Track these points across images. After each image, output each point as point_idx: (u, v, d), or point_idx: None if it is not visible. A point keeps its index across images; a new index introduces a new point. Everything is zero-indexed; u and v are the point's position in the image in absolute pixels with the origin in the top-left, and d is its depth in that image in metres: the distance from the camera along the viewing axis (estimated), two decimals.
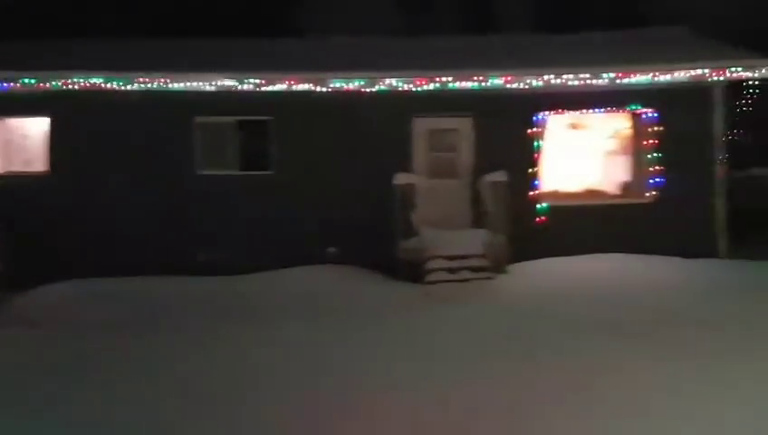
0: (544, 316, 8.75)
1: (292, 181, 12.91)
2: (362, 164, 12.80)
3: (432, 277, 11.24)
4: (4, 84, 12.09)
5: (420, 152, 13.10)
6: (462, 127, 13.08)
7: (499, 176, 11.74)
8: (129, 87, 12.35)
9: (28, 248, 11.92)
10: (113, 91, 12.45)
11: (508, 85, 12.55)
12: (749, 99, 14.50)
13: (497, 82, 12.50)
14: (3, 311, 10.63)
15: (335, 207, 12.78)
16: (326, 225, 12.78)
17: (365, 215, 12.62)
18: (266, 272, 12.17)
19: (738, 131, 19.41)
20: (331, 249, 12.79)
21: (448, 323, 9.08)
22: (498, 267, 11.56)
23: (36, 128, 12.72)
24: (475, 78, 12.44)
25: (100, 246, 12.49)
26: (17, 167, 12.64)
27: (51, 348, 8.28)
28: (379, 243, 12.29)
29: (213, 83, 12.42)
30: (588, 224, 12.79)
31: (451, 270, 11.33)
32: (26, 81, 12.08)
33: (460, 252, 11.52)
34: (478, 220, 12.58)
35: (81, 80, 12.17)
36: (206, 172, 12.88)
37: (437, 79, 12.44)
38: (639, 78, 12.68)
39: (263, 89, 12.55)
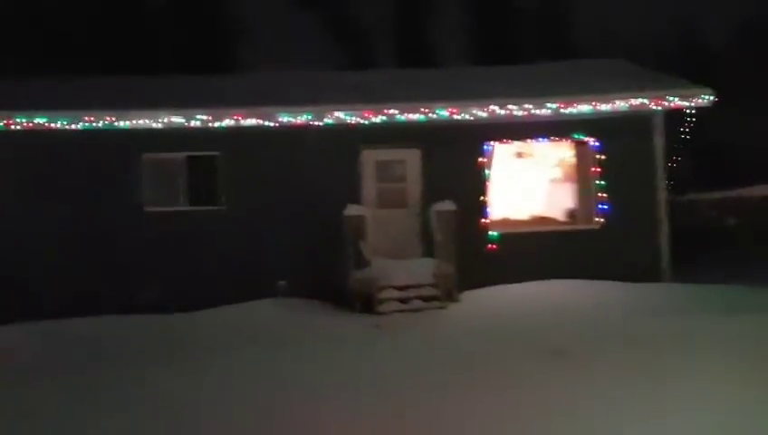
0: (492, 342, 8.81)
1: (241, 215, 12.86)
2: (312, 196, 12.83)
3: (383, 307, 11.26)
4: None
5: (369, 183, 13.19)
6: (410, 158, 13.23)
7: (447, 205, 11.88)
8: (74, 126, 12.21)
9: None
10: (58, 130, 12.29)
11: (454, 116, 12.76)
12: (687, 126, 15.05)
13: (443, 113, 12.71)
14: None
15: (285, 241, 12.76)
16: (277, 258, 12.74)
17: (316, 247, 12.62)
18: (217, 307, 12.01)
19: (678, 158, 20.05)
20: (282, 282, 12.72)
21: (395, 351, 9.02)
22: (449, 296, 11.64)
23: None
24: (422, 110, 12.63)
25: (44, 287, 12.19)
26: None
27: None
28: (330, 275, 12.30)
29: (160, 120, 12.36)
30: (537, 250, 12.98)
31: (402, 300, 11.37)
32: None
33: (411, 282, 11.58)
34: (428, 250, 12.66)
35: (25, 119, 12.00)
36: (154, 208, 12.74)
37: (384, 111, 12.60)
38: (581, 108, 13.03)
39: (210, 125, 12.54)
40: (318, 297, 12.44)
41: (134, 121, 12.35)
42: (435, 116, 12.77)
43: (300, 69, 16.11)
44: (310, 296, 12.45)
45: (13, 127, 12.10)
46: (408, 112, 12.67)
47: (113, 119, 12.28)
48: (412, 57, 29.53)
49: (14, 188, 12.38)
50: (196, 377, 8.24)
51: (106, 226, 12.53)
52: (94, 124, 12.27)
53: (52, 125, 12.20)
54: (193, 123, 12.50)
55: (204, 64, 23.60)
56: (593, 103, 12.96)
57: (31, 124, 12.12)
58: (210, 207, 12.91)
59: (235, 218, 12.86)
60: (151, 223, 12.69)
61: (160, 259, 12.64)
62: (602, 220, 13.35)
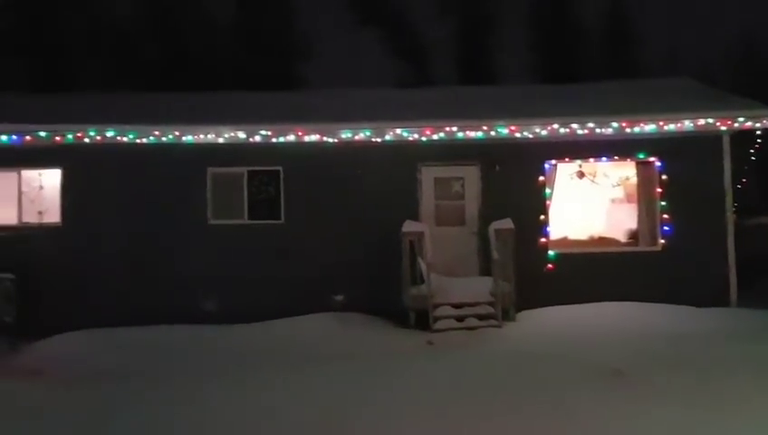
0: (548, 363, 8.65)
1: (300, 230, 13.03)
2: (370, 212, 12.91)
3: (439, 325, 11.22)
4: (19, 137, 12.38)
5: (427, 200, 13.21)
6: (469, 175, 13.21)
7: (506, 223, 11.79)
8: (142, 140, 12.62)
9: (40, 298, 12.03)
10: (126, 144, 12.72)
11: (515, 134, 12.69)
12: (755, 147, 14.59)
13: (504, 131, 12.66)
14: (10, 360, 10.70)
15: (343, 255, 12.86)
16: (334, 273, 12.84)
17: (373, 263, 12.68)
18: (274, 320, 12.19)
19: (746, 180, 19.42)
20: (339, 297, 12.82)
21: (447, 369, 8.97)
22: (506, 315, 11.52)
23: (49, 179, 12.96)
24: (482, 127, 12.61)
25: (112, 295, 12.59)
26: (31, 218, 12.84)
27: (47, 399, 8.23)
28: (386, 291, 12.34)
29: (225, 135, 12.66)
30: (597, 272, 12.74)
31: (458, 318, 11.31)
32: (40, 134, 12.36)
33: (467, 299, 11.52)
34: (485, 268, 12.58)
35: (96, 133, 12.46)
36: (216, 221, 13.03)
37: (444, 128, 12.63)
38: (646, 127, 12.79)
39: (272, 140, 12.78)
40: (373, 312, 12.47)
41: (200, 136, 12.67)
42: (495, 134, 12.73)
43: (360, 86, 16.27)
44: (365, 311, 12.49)
45: (85, 140, 12.54)
46: (468, 130, 12.67)
47: (180, 133, 12.63)
48: (472, 75, 29.52)
49: (84, 200, 12.82)
50: (250, 391, 8.30)
51: (171, 237, 12.86)
52: (162, 138, 12.62)
53: (122, 139, 12.60)
54: (256, 138, 12.75)
55: (267, 81, 24.09)
56: (659, 123, 12.71)
57: (101, 138, 12.54)
58: (270, 221, 13.12)
59: (294, 232, 13.04)
60: (214, 235, 12.98)
61: (221, 271, 12.89)
62: (665, 242, 13.03)
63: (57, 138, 12.44)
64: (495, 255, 11.56)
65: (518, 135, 12.79)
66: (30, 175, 12.92)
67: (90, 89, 18.36)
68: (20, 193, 12.80)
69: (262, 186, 13.20)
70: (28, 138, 12.34)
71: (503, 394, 7.54)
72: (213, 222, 13.05)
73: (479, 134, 12.75)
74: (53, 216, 12.82)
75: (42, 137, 12.37)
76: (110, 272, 12.72)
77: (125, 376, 9.43)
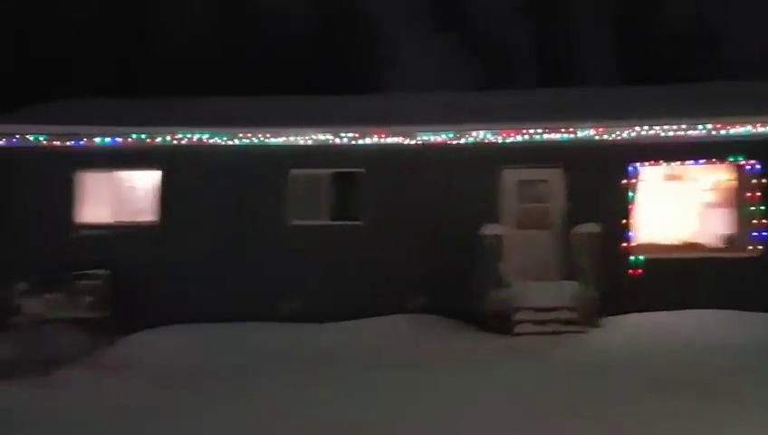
0: (631, 373, 8.44)
1: (380, 231, 13.13)
2: (450, 215, 12.88)
3: (520, 329, 11.09)
4: (116, 140, 12.98)
5: (509, 203, 13.08)
6: (552, 178, 13.01)
7: (591, 227, 11.56)
8: (231, 142, 13.01)
9: (133, 295, 12.55)
10: (216, 146, 13.14)
11: (601, 136, 12.43)
12: None
13: (588, 133, 12.42)
14: (106, 354, 11.23)
15: (421, 258, 12.86)
16: (413, 275, 12.86)
17: (453, 266, 12.62)
18: (353, 320, 12.33)
19: None
20: (418, 299, 12.85)
21: (528, 375, 8.91)
22: (589, 321, 11.28)
23: (143, 180, 13.52)
24: (566, 130, 12.41)
25: (200, 293, 12.99)
26: (125, 217, 13.43)
27: (141, 393, 8.59)
28: (464, 294, 12.27)
29: (309, 138, 12.91)
30: (685, 278, 12.31)
31: (540, 322, 11.15)
32: (137, 136, 12.92)
33: (549, 304, 11.34)
34: (569, 272, 12.35)
35: (189, 135, 12.92)
36: (299, 222, 13.29)
37: (526, 131, 12.50)
38: (740, 129, 12.30)
39: (355, 142, 12.95)
40: (452, 315, 12.43)
41: (285, 138, 12.96)
42: (578, 136, 12.50)
43: (441, 90, 16.30)
44: (443, 314, 12.46)
45: (176, 142, 13.03)
46: (551, 132, 12.50)
47: (267, 135, 12.96)
48: (554, 77, 29.07)
49: (175, 200, 13.32)
50: (327, 392, 8.44)
51: (256, 237, 13.19)
52: (251, 140, 12.98)
53: (213, 141, 13.03)
54: (339, 141, 12.94)
55: (348, 86, 24.43)
56: (756, 125, 12.19)
57: (194, 140, 13.00)
58: (351, 223, 13.28)
59: (375, 234, 13.15)
60: (296, 236, 13.24)
61: (303, 271, 13.13)
62: (759, 247, 12.47)
63: (152, 140, 12.96)
64: (580, 259, 11.34)
65: (603, 137, 12.51)
66: (125, 176, 13.50)
67: (173, 93, 19.02)
68: (116, 193, 13.39)
69: (343, 187, 13.39)
70: (126, 140, 12.91)
71: (589, 405, 7.39)
72: (295, 223, 13.32)
73: (563, 136, 12.54)
74: (146, 215, 13.36)
75: (138, 139, 12.92)
76: (198, 270, 13.14)
77: (210, 373, 9.76)
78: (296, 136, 12.98)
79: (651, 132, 12.33)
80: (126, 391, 8.49)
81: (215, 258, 13.20)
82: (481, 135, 12.59)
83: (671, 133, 12.34)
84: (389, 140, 12.89)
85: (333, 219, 13.33)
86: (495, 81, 29.78)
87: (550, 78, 29.08)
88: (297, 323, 12.29)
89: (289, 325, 12.28)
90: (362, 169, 13.27)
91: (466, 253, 12.30)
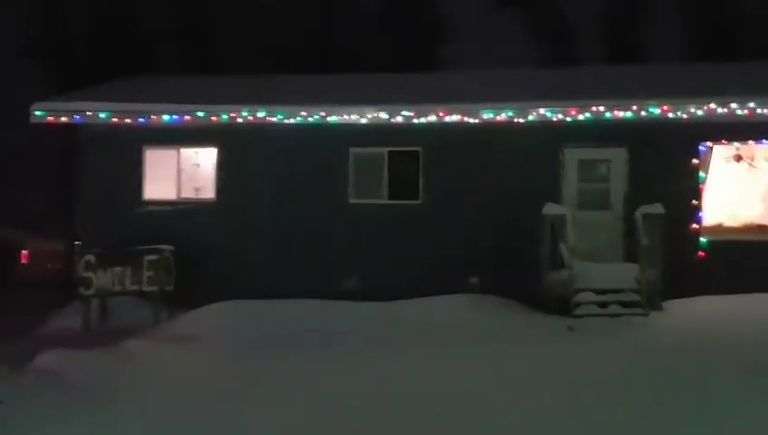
0: (695, 358, 8.22)
1: (439, 210, 13.08)
2: (509, 194, 12.75)
3: (580, 310, 10.91)
4: (179, 117, 13.21)
5: (570, 183, 12.85)
6: (615, 157, 12.70)
7: (656, 208, 11.27)
8: (290, 120, 13.09)
9: (195, 270, 12.80)
10: (275, 124, 13.24)
11: (668, 115, 12.05)
12: None
13: (655, 111, 12.06)
14: (170, 327, 11.52)
15: (480, 237, 12.80)
16: (471, 254, 12.81)
17: (510, 245, 12.54)
18: (411, 299, 12.30)
19: None
20: (474, 279, 12.79)
21: (592, 357, 8.77)
22: (652, 304, 11.02)
23: (205, 157, 13.74)
24: (632, 107, 12.08)
25: (259, 269, 13.18)
26: (188, 194, 13.69)
27: (209, 364, 8.79)
28: (523, 274, 12.17)
29: (367, 116, 12.89)
30: (754, 261, 11.91)
31: (601, 304, 10.95)
32: (198, 114, 13.12)
33: (611, 286, 11.12)
34: (631, 254, 12.08)
35: (248, 113, 13.05)
36: (357, 201, 13.33)
37: (591, 108, 12.21)
38: None
39: (414, 121, 12.87)
40: (508, 295, 12.34)
41: (343, 117, 12.97)
42: (645, 114, 12.15)
43: (502, 67, 16.05)
44: (500, 294, 12.37)
45: (238, 120, 13.17)
46: (617, 110, 12.18)
47: (325, 114, 12.99)
48: (617, 54, 28.25)
49: (235, 177, 13.50)
50: (391, 370, 8.47)
51: (314, 215, 13.30)
52: (307, 119, 13.03)
53: (271, 119, 13.13)
54: (398, 119, 12.88)
55: (407, 63, 24.28)
56: None
57: (253, 118, 13.13)
58: (408, 202, 13.26)
59: (432, 213, 13.11)
60: (354, 214, 13.29)
61: (361, 250, 13.19)
62: None
63: (213, 118, 13.15)
64: (644, 240, 11.07)
65: (671, 115, 12.14)
66: (188, 153, 13.75)
67: (233, 71, 19.28)
68: (179, 170, 13.66)
69: (401, 166, 13.36)
70: (187, 117, 13.14)
71: (653, 388, 7.24)
72: (353, 201, 13.38)
73: (628, 114, 12.21)
74: (208, 192, 13.62)
75: (199, 117, 13.12)
76: (258, 247, 13.34)
77: (269, 346, 9.91)
78: (354, 114, 12.95)
79: (723, 110, 11.87)
80: (195, 361, 8.68)
81: (274, 236, 13.36)
82: (544, 113, 12.32)
83: (743, 112, 11.86)
84: (449, 119, 12.75)
85: (392, 198, 13.32)
86: (557, 58, 29.14)
87: (613, 55, 28.31)
88: (354, 302, 12.33)
89: (346, 303, 12.33)
90: (421, 148, 13.20)
91: (525, 233, 12.18)
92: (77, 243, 29.93)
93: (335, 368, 8.26)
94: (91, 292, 11.86)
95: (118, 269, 11.93)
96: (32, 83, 28.40)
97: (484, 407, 6.93)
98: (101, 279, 11.87)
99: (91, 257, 11.90)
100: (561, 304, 11.33)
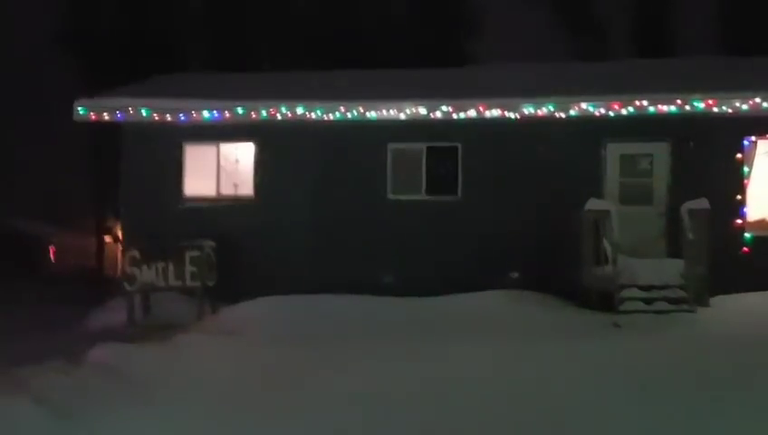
0: (748, 354, 8.13)
1: (477, 206, 13.03)
2: (550, 189, 12.67)
3: (625, 306, 10.82)
4: (219, 113, 13.27)
5: (611, 178, 12.74)
6: (657, 152, 12.58)
7: (701, 203, 11.13)
8: (329, 116, 13.11)
9: (235, 266, 12.87)
10: (314, 120, 13.27)
11: (712, 109, 11.91)
12: None
13: (700, 105, 11.92)
14: (213, 321, 11.62)
15: (519, 233, 12.70)
16: (510, 250, 12.75)
17: (551, 241, 12.44)
18: (449, 295, 12.28)
19: None
20: (514, 274, 12.74)
21: (642, 353, 8.71)
22: (699, 300, 10.90)
23: (244, 153, 13.81)
24: (676, 102, 11.94)
25: (298, 264, 13.22)
26: (228, 190, 13.77)
27: (260, 358, 8.83)
28: (562, 270, 12.09)
29: (406, 111, 12.87)
30: None
31: (646, 300, 10.85)
32: (238, 110, 13.18)
33: (656, 282, 11.01)
34: (673, 249, 11.97)
35: (287, 109, 13.09)
36: (395, 196, 13.32)
37: (634, 103, 12.09)
38: None
39: (454, 116, 12.83)
40: (549, 291, 12.27)
41: (382, 112, 12.96)
42: (689, 108, 12.01)
43: (535, 61, 15.92)
44: (541, 290, 12.30)
45: (276, 116, 13.21)
46: (661, 104, 12.06)
47: (363, 109, 12.99)
48: (648, 47, 27.93)
49: (274, 173, 13.55)
50: (436, 363, 8.47)
51: (352, 211, 13.29)
52: (346, 114, 13.04)
53: (310, 115, 13.15)
54: (436, 114, 12.85)
55: (437, 57, 24.23)
56: None
57: (291, 114, 13.16)
58: (447, 197, 13.24)
59: (471, 209, 13.07)
60: (393, 210, 13.29)
61: (399, 245, 13.18)
62: None
63: (252, 114, 13.19)
64: (690, 236, 10.94)
65: (715, 110, 11.98)
66: (227, 149, 13.82)
67: (260, 68, 19.32)
68: (218, 166, 13.73)
69: (440, 161, 13.33)
70: (227, 114, 13.19)
71: (706, 386, 7.17)
72: (392, 197, 13.37)
73: (672, 109, 12.08)
74: (247, 188, 13.68)
75: (239, 113, 13.17)
76: (297, 242, 13.36)
77: (317, 340, 9.95)
78: (392, 109, 12.94)
79: None
80: (246, 355, 8.72)
81: (313, 232, 13.39)
82: (586, 107, 12.22)
83: None
84: (489, 114, 12.69)
85: (430, 194, 13.30)
86: (588, 52, 28.87)
87: (644, 49, 27.98)
88: (393, 297, 12.34)
89: (387, 298, 12.34)
90: (460, 143, 13.16)
91: (566, 228, 12.08)
92: (108, 239, 30.21)
93: (389, 362, 8.27)
94: (135, 287, 11.98)
95: (161, 265, 12.03)
96: (59, 80, 28.83)
97: (554, 400, 6.90)
98: (145, 275, 11.98)
99: (135, 253, 12.02)
100: (604, 301, 11.24)
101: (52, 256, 42.94)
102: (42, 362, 8.23)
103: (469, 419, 6.43)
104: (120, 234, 31.59)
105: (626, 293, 10.95)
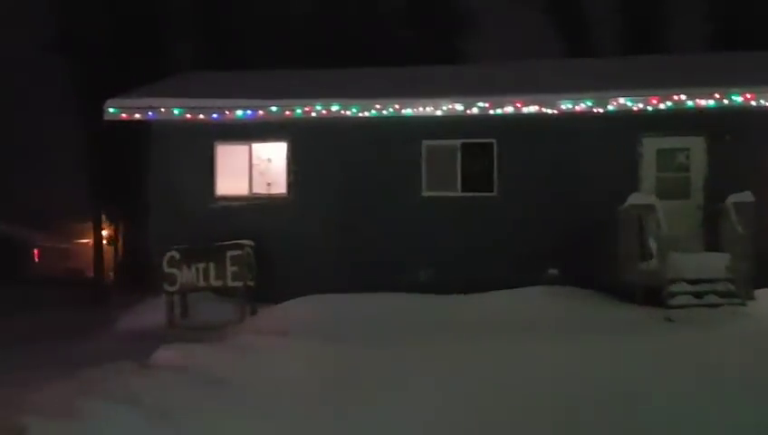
0: None
1: (514, 202, 12.99)
2: (586, 184, 12.69)
3: (675, 301, 10.83)
4: (253, 112, 13.10)
5: (648, 172, 12.78)
6: (694, 146, 12.64)
7: (746, 196, 11.19)
8: (363, 113, 12.99)
9: (271, 265, 12.71)
10: (346, 118, 13.14)
11: (752, 103, 11.99)
12: None
13: (738, 99, 12.00)
14: (256, 321, 11.46)
15: (557, 228, 12.70)
16: (547, 246, 12.73)
17: (588, 236, 12.44)
18: (488, 292, 12.21)
19: None
20: (553, 271, 12.71)
21: (701, 346, 8.73)
22: (745, 293, 10.96)
23: (276, 152, 13.64)
24: (714, 95, 12.01)
25: (332, 264, 13.09)
26: (260, 189, 13.60)
27: (325, 357, 8.70)
28: (602, 265, 12.08)
29: (443, 108, 12.79)
30: None
31: (695, 294, 10.87)
32: (272, 108, 13.01)
33: (704, 275, 11.04)
34: (712, 243, 12.03)
35: (322, 107, 12.95)
36: (430, 193, 13.25)
37: (672, 97, 12.14)
38: None
39: (490, 112, 12.78)
40: (589, 286, 12.23)
41: (418, 109, 12.88)
42: (727, 102, 12.08)
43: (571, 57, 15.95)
44: (579, 285, 12.28)
45: (311, 115, 13.06)
46: (699, 98, 12.11)
47: (399, 107, 12.90)
48: (640, 45, 28.07)
49: (307, 172, 13.42)
50: (506, 362, 8.39)
51: (387, 208, 13.20)
52: (382, 112, 12.93)
53: (344, 113, 13.03)
54: (473, 110, 12.79)
55: (430, 56, 24.30)
56: None
57: (326, 112, 13.02)
58: (483, 194, 13.19)
59: (508, 205, 13.03)
60: (428, 207, 13.21)
61: (435, 242, 13.10)
62: None
63: (287, 112, 13.04)
64: (738, 229, 10.98)
65: (753, 103, 12.06)
66: (259, 148, 13.65)
67: (312, 66, 19.10)
68: (251, 165, 13.55)
69: (475, 158, 13.28)
70: (261, 112, 13.02)
71: None
72: (426, 194, 13.30)
73: (709, 103, 12.14)
74: (280, 187, 13.52)
75: (273, 111, 13.01)
76: (331, 241, 13.24)
77: (369, 338, 9.82)
78: (429, 106, 12.86)
79: None
80: (311, 354, 8.58)
81: (347, 230, 13.27)
82: (624, 102, 12.24)
83: None
84: (525, 110, 12.66)
85: (465, 190, 13.24)
86: (578, 50, 29.01)
87: (636, 47, 28.14)
88: (429, 295, 12.24)
89: (423, 296, 12.24)
90: (496, 139, 13.12)
91: (603, 223, 12.08)
92: (106, 242, 29.72)
93: (464, 361, 8.18)
94: (175, 288, 11.78)
95: (201, 265, 11.84)
96: (62, 79, 28.37)
97: (645, 399, 6.86)
98: (185, 275, 11.78)
99: (174, 254, 11.83)
100: (650, 295, 11.25)
101: (36, 258, 42.44)
102: (97, 364, 8.05)
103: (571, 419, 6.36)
104: (115, 235, 31.18)
105: (675, 287, 10.97)
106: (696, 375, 7.32)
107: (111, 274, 31.69)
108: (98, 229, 30.04)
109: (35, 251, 43.73)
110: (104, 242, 31.75)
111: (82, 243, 48.12)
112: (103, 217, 30.54)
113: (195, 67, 24.69)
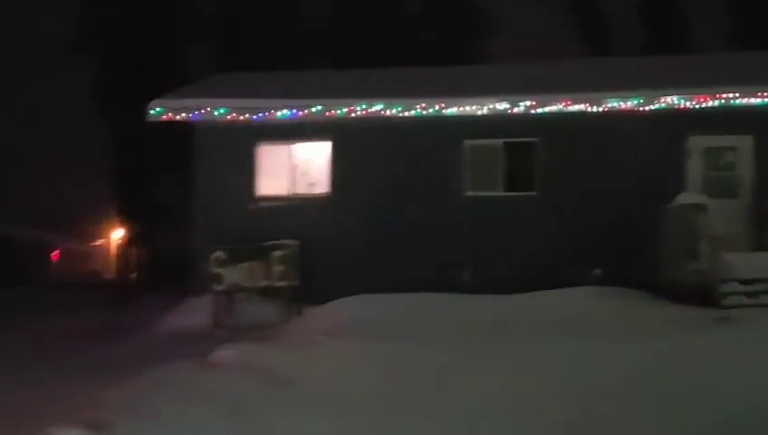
0: None
1: (556, 202, 12.93)
2: (631, 183, 12.60)
3: (728, 301, 10.72)
4: (295, 112, 13.07)
5: (694, 171, 12.68)
6: (741, 145, 12.53)
7: None
8: (407, 113, 12.95)
9: (314, 265, 12.67)
10: (388, 118, 13.10)
11: None
12: None
13: None
14: (304, 321, 11.42)
15: (601, 228, 12.60)
16: (591, 246, 12.63)
17: (633, 235, 12.37)
18: (531, 292, 12.14)
19: None
20: (597, 271, 12.62)
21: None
22: None
23: (317, 152, 13.61)
24: (763, 94, 11.90)
25: (375, 263, 13.05)
26: (301, 189, 13.58)
27: (383, 356, 8.63)
28: (648, 264, 11.99)
29: (486, 107, 12.74)
30: None
31: (749, 294, 10.76)
32: (314, 109, 12.99)
33: (757, 275, 10.93)
34: (759, 242, 11.92)
35: (365, 107, 12.92)
36: (473, 193, 13.19)
37: (720, 95, 12.04)
38: None
39: (533, 111, 12.71)
40: (634, 287, 12.14)
41: (462, 108, 12.82)
42: None
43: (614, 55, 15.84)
44: (624, 285, 12.17)
45: (352, 115, 13.03)
46: (747, 96, 12.00)
47: (443, 106, 12.85)
48: (661, 44, 27.90)
49: (349, 172, 13.39)
50: (567, 363, 8.28)
51: (429, 208, 13.16)
52: (426, 111, 12.88)
53: (387, 112, 12.99)
54: (516, 110, 12.73)
55: (447, 56, 24.22)
56: None
57: (368, 111, 12.99)
58: (525, 193, 13.12)
59: (550, 204, 12.97)
60: (470, 207, 13.15)
61: (477, 242, 13.05)
62: None
63: (329, 112, 13.01)
64: None
65: None
66: (300, 148, 13.63)
67: (355, 66, 19.09)
68: (292, 165, 13.54)
69: (517, 157, 13.22)
70: (304, 112, 13.00)
71: None
72: (469, 194, 13.24)
73: (758, 101, 12.03)
74: (323, 187, 13.49)
75: (316, 111, 12.98)
76: (373, 240, 13.21)
77: (425, 338, 9.74)
78: (473, 105, 12.81)
79: None
80: (371, 354, 8.51)
81: (390, 229, 13.23)
82: (671, 100, 12.15)
83: None
84: (570, 108, 12.59)
85: (508, 190, 13.18)
86: (598, 49, 28.86)
87: (656, 46, 27.97)
88: (473, 295, 12.18)
89: (467, 296, 12.19)
90: (538, 139, 13.05)
91: (648, 223, 12.00)
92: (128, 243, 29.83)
93: (526, 362, 8.06)
94: (222, 287, 11.76)
95: (246, 265, 11.81)
96: (85, 78, 28.43)
97: (706, 392, 6.76)
98: (231, 275, 11.76)
99: (220, 254, 11.82)
100: (700, 295, 11.13)
101: (54, 259, 42.64)
102: (156, 363, 8.01)
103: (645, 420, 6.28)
104: (138, 237, 31.30)
105: (728, 287, 10.86)
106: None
107: (134, 275, 31.75)
108: (122, 231, 30.09)
109: (54, 254, 43.96)
110: (126, 243, 31.82)
111: (99, 244, 48.42)
112: (126, 218, 30.60)
113: (219, 69, 24.74)
